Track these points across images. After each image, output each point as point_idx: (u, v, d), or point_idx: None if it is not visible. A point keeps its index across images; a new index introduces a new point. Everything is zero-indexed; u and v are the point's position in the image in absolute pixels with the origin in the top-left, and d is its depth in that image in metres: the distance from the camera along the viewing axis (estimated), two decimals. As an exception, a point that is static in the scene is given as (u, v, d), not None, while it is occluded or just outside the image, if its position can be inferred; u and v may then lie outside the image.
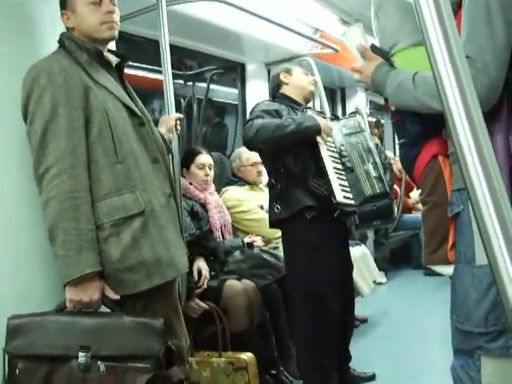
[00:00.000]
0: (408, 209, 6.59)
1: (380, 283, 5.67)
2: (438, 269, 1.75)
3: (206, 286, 2.87)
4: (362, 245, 4.67)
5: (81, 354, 1.68)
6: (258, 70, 4.84)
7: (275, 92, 3.07)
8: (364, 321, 4.46)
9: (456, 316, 1.62)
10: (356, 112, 3.07)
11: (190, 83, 5.75)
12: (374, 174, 2.72)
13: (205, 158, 3.39)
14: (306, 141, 2.70)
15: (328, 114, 3.85)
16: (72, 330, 1.71)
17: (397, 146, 7.40)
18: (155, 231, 1.88)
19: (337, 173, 2.71)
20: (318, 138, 2.72)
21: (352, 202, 2.65)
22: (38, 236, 1.96)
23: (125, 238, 1.80)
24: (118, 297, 1.79)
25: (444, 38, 0.76)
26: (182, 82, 5.76)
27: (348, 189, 2.68)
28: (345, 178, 2.72)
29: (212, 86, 5.86)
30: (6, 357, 1.72)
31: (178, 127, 2.51)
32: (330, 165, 2.71)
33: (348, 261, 3.01)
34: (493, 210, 0.74)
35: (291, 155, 2.73)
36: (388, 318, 4.63)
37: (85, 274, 1.70)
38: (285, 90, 3.02)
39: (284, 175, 2.75)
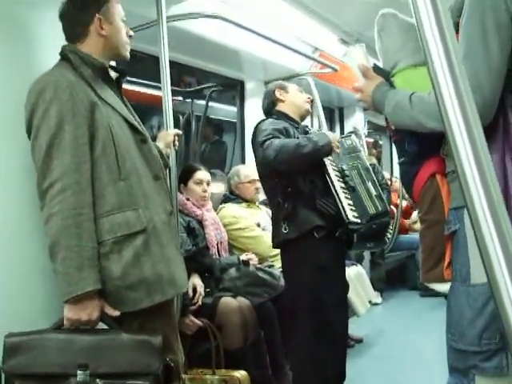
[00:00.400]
0: (404, 230, 6.60)
1: (376, 304, 5.66)
2: (435, 287, 1.77)
3: (200, 302, 2.85)
4: (358, 265, 4.65)
5: (79, 372, 1.66)
6: (256, 87, 4.85)
7: (270, 109, 3.04)
8: (359, 341, 4.44)
9: (451, 334, 1.63)
10: (352, 132, 3.10)
11: (189, 100, 5.78)
12: (374, 192, 2.76)
13: (203, 174, 3.40)
14: (320, 160, 2.72)
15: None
16: (70, 348, 1.69)
17: (395, 167, 7.46)
18: (156, 249, 1.87)
19: (343, 192, 2.73)
20: (325, 158, 2.75)
21: (359, 220, 2.68)
22: (34, 251, 1.95)
23: (126, 256, 1.79)
24: (117, 313, 1.77)
25: (445, 55, 0.76)
26: (180, 98, 5.78)
27: (354, 208, 2.71)
28: (350, 196, 2.75)
29: (211, 104, 5.89)
30: (3, 375, 1.69)
31: (176, 143, 2.51)
32: (337, 183, 2.74)
33: (345, 280, 3.01)
34: (493, 229, 0.73)
35: (301, 174, 2.72)
36: (383, 339, 4.62)
37: (85, 292, 1.68)
38: (281, 107, 3.00)
39: (292, 194, 2.72)
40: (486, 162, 0.74)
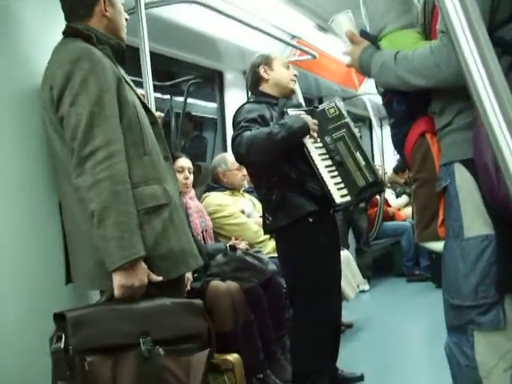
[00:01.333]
0: (388, 217, 6.62)
1: (363, 291, 5.69)
2: (430, 245, 1.78)
3: (189, 287, 2.81)
4: (345, 249, 4.65)
5: (142, 340, 1.64)
6: (236, 78, 4.83)
7: (253, 88, 2.99)
8: (349, 326, 4.45)
9: (448, 292, 1.65)
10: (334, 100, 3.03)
11: (168, 96, 5.72)
12: (362, 162, 2.69)
13: (184, 161, 3.37)
14: (297, 144, 2.65)
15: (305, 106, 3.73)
16: (128, 318, 1.67)
17: (375, 154, 7.49)
18: (179, 223, 1.88)
19: (329, 171, 2.67)
20: (305, 140, 2.67)
21: (348, 198, 2.64)
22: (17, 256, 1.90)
23: (157, 226, 1.79)
24: (160, 279, 1.76)
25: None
26: (159, 95, 5.73)
27: (342, 185, 2.66)
28: (337, 173, 2.69)
29: (190, 101, 5.84)
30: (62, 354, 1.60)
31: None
32: (321, 165, 2.67)
33: (340, 261, 3.00)
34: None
35: (284, 160, 2.67)
36: (372, 324, 4.64)
37: (140, 257, 1.68)
38: (264, 87, 2.93)
39: (279, 182, 2.68)
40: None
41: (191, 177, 3.39)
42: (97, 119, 1.71)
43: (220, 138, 5.14)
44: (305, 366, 2.72)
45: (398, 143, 1.83)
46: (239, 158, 2.69)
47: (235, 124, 2.75)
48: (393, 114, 1.84)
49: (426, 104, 1.71)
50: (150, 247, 1.75)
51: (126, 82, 1.90)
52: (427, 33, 1.74)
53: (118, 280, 1.68)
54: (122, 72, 1.92)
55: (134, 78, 2.05)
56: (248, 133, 2.58)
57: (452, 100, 1.60)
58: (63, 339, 1.59)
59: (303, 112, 2.81)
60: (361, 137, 2.92)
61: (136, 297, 1.71)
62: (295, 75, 2.98)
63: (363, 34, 1.84)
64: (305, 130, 2.63)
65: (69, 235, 1.89)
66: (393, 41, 1.77)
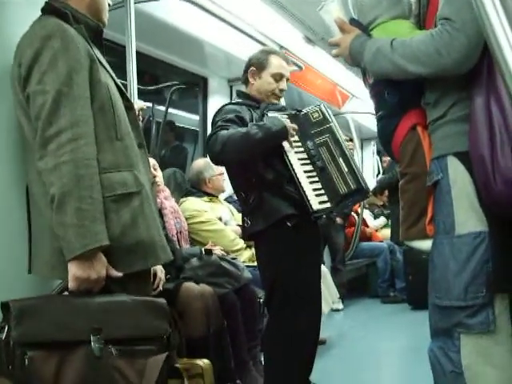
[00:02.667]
0: (366, 237, 6.60)
1: (337, 310, 5.63)
2: (417, 244, 1.71)
3: (161, 288, 2.70)
4: (322, 265, 4.57)
5: (93, 337, 1.53)
6: (220, 85, 4.78)
7: (244, 82, 2.87)
8: (322, 342, 4.34)
9: (435, 292, 1.58)
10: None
11: (150, 104, 5.64)
12: (345, 169, 2.59)
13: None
14: (275, 146, 2.56)
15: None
16: (81, 312, 1.56)
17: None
18: (149, 213, 1.80)
19: (309, 177, 2.58)
20: (284, 143, 2.58)
21: (328, 205, 2.55)
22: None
23: (124, 216, 1.70)
24: (120, 274, 1.66)
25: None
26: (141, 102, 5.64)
27: (322, 191, 2.56)
28: (317, 179, 2.59)
29: (172, 111, 5.78)
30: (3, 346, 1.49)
31: (140, 117, 2.41)
32: (299, 170, 2.57)
33: (320, 267, 2.90)
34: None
35: (261, 162, 2.57)
36: (345, 341, 4.58)
37: (98, 247, 1.58)
38: (249, 89, 2.83)
39: (256, 185, 2.58)
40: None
41: (159, 173, 3.28)
42: (64, 99, 1.63)
43: (201, 148, 5.06)
44: (278, 378, 2.61)
45: (386, 136, 1.77)
46: (213, 157, 2.56)
47: (213, 123, 2.67)
48: (382, 106, 1.78)
49: (419, 95, 1.66)
50: (116, 238, 1.66)
51: (101, 64, 1.82)
52: (421, 23, 1.69)
53: (74, 271, 1.58)
54: (98, 54, 1.84)
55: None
56: (224, 131, 2.49)
57: (447, 91, 1.56)
58: (5, 330, 1.48)
59: (285, 116, 2.72)
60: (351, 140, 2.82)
61: (93, 291, 1.62)
62: (281, 90, 2.80)
63: (354, 22, 1.78)
64: (283, 134, 2.53)
65: (34, 220, 1.79)
66: (386, 29, 1.71)
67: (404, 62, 1.53)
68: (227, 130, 2.51)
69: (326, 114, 2.75)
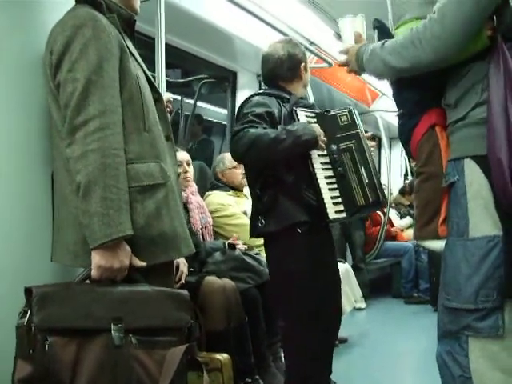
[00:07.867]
0: (391, 237, 6.55)
1: (360, 309, 5.61)
2: (429, 244, 1.72)
3: (183, 281, 2.71)
4: (345, 262, 4.57)
5: (113, 326, 1.54)
6: (250, 80, 4.77)
7: (287, 72, 2.69)
8: (344, 341, 4.37)
9: (445, 293, 1.57)
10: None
11: (178, 97, 5.67)
12: (366, 180, 2.49)
13: (181, 154, 3.24)
14: (300, 154, 2.45)
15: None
16: (102, 301, 1.57)
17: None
18: (173, 205, 1.80)
19: (328, 183, 2.49)
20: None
21: (344, 215, 2.47)
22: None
23: (149, 207, 1.71)
24: (144, 264, 1.67)
25: None
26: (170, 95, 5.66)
27: (340, 199, 2.48)
28: (336, 186, 2.50)
29: (201, 104, 5.78)
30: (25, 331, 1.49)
31: (169, 109, 2.40)
32: (321, 176, 2.47)
33: (337, 271, 2.76)
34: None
35: (282, 163, 2.46)
36: (367, 340, 4.59)
37: (123, 236, 1.58)
38: (295, 85, 2.70)
39: (273, 184, 2.47)
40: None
41: (191, 169, 3.30)
42: (93, 87, 1.63)
43: (228, 142, 5.05)
44: (299, 377, 2.57)
45: (405, 134, 1.78)
46: (236, 155, 2.45)
47: (240, 115, 2.53)
48: (403, 104, 1.79)
49: (438, 95, 1.66)
50: (140, 228, 1.67)
51: (132, 54, 1.83)
52: None
53: (98, 259, 1.58)
54: (130, 44, 1.85)
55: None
56: (252, 131, 2.36)
57: (468, 93, 1.55)
58: (28, 315, 1.49)
59: (313, 114, 2.62)
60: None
61: (115, 280, 1.62)
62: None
63: (377, 22, 1.82)
64: (313, 144, 2.42)
65: (57, 208, 1.80)
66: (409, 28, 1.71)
67: (390, 57, 1.58)
68: (256, 128, 2.40)
69: (355, 119, 2.64)
